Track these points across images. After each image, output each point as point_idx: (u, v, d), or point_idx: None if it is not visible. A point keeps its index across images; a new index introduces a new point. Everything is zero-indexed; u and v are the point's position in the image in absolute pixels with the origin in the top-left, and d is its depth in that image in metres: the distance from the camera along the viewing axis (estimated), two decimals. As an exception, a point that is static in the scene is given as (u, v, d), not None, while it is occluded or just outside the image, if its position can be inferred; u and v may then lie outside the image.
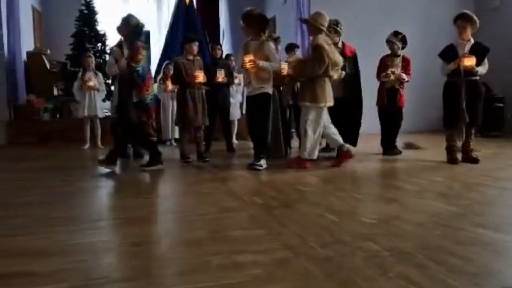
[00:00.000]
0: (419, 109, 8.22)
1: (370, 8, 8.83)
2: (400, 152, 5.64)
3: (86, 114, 6.80)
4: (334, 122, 4.82)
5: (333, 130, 4.71)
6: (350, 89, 5.17)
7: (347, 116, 5.13)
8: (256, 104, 4.59)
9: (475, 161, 4.84)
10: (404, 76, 5.47)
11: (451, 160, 4.86)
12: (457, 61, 4.65)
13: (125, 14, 4.66)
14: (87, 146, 6.87)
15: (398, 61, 5.53)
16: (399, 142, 5.86)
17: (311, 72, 4.44)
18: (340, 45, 5.19)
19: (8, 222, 2.65)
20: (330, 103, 4.55)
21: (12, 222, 2.64)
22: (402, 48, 5.53)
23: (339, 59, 4.62)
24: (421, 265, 1.88)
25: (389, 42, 5.55)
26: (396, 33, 5.53)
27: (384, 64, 5.56)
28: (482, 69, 4.73)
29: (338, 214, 2.75)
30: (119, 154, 4.68)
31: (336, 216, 2.68)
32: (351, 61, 5.21)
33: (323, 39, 4.46)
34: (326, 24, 4.54)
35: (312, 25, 4.51)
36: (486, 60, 4.75)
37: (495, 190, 3.51)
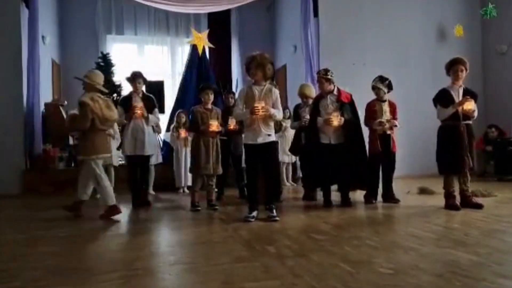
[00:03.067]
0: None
1: (379, 53, 9.03)
2: (398, 201, 5.32)
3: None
4: (338, 167, 5.05)
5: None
6: (350, 135, 5.20)
7: (351, 161, 5.14)
8: (268, 151, 4.42)
9: (478, 206, 4.71)
10: (396, 123, 5.38)
11: (453, 206, 4.71)
12: (456, 104, 4.66)
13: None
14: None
15: (386, 106, 5.41)
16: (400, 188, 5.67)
17: (79, 126, 4.74)
18: (335, 92, 5.24)
19: (24, 275, 2.64)
20: (105, 154, 4.84)
21: (28, 274, 2.64)
22: (387, 92, 5.45)
23: (110, 114, 4.83)
24: (442, 319, 1.81)
25: (375, 88, 5.43)
26: (382, 79, 5.43)
27: (372, 110, 5.42)
28: (475, 114, 4.76)
29: (353, 264, 2.69)
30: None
31: (351, 266, 2.62)
32: (348, 107, 5.22)
33: (89, 96, 4.70)
34: (101, 82, 4.86)
35: (86, 83, 4.79)
36: (476, 105, 4.78)
37: (515, 237, 3.40)
